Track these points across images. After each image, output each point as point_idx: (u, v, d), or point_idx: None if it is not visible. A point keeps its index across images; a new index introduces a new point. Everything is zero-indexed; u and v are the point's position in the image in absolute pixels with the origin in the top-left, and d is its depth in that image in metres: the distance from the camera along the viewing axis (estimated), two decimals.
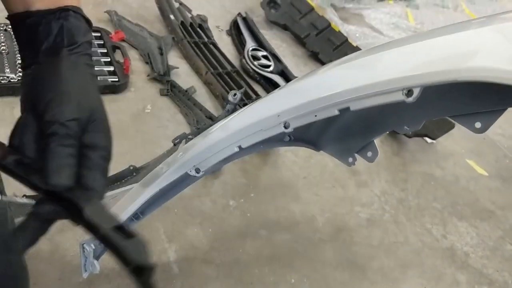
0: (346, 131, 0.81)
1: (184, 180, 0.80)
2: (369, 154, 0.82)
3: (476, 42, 0.53)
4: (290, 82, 0.80)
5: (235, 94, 1.42)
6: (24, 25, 0.54)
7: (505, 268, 1.63)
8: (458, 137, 2.30)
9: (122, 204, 0.83)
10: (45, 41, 0.53)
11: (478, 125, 0.63)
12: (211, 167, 0.78)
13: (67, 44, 0.54)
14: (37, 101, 0.50)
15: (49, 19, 0.54)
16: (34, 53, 0.53)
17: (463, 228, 1.76)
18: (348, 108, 0.63)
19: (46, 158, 0.47)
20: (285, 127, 0.71)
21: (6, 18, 0.56)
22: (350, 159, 0.85)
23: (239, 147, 0.76)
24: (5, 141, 0.52)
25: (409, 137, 2.11)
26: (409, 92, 0.56)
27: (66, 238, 1.31)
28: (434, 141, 2.16)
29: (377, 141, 2.30)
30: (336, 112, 0.65)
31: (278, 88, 0.80)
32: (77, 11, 0.56)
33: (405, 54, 0.60)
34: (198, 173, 0.78)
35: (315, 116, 0.67)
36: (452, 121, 0.68)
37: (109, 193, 1.11)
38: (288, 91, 0.74)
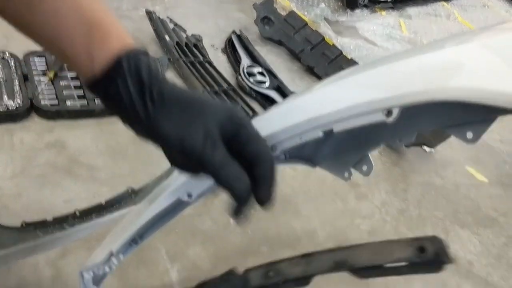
0: (340, 147, 0.82)
1: (178, 205, 0.81)
2: (364, 168, 0.82)
3: (451, 61, 0.54)
4: (275, 105, 0.81)
5: None
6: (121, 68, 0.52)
7: (510, 275, 1.62)
8: (456, 144, 2.30)
9: (118, 229, 0.83)
10: (155, 82, 0.53)
11: (469, 135, 0.64)
12: (203, 192, 0.78)
13: (162, 76, 0.55)
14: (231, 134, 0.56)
15: (145, 59, 0.53)
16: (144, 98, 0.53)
17: (466, 237, 1.75)
18: (331, 130, 0.64)
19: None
20: (272, 150, 0.71)
21: (90, 85, 0.55)
22: (346, 174, 0.85)
23: None
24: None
25: (407, 146, 2.12)
26: (389, 113, 0.57)
27: (68, 262, 1.30)
28: (432, 149, 2.16)
29: (375, 152, 2.30)
30: (320, 134, 0.66)
31: (264, 112, 0.81)
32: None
33: (384, 74, 0.61)
34: (190, 198, 0.78)
35: (300, 138, 0.68)
36: None
37: (107, 217, 1.11)
38: (273, 114, 0.75)
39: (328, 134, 0.66)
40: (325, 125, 0.65)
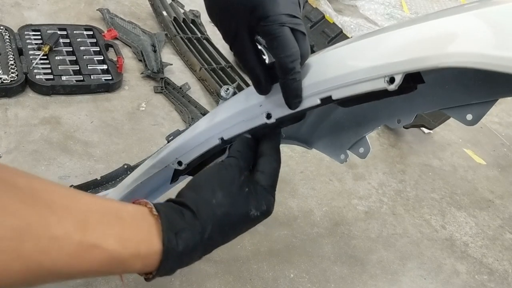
0: (337, 127, 0.80)
1: (168, 175, 0.79)
2: (361, 150, 0.81)
3: (458, 27, 0.52)
4: None
5: (227, 89, 1.39)
6: None
7: (505, 257, 1.63)
8: (455, 126, 2.30)
9: (111, 196, 0.82)
10: None
11: (469, 117, 0.63)
12: (194, 160, 0.76)
13: None
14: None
15: None
16: None
17: (462, 218, 1.75)
18: (330, 97, 0.62)
19: None
20: (267, 118, 0.69)
21: None
22: (342, 156, 0.84)
23: (221, 139, 0.74)
24: None
25: (406, 128, 2.11)
26: (391, 80, 0.55)
27: None
28: (431, 131, 2.15)
29: (374, 133, 2.29)
30: (318, 102, 0.64)
31: None
32: None
33: (388, 40, 0.58)
34: (180, 165, 0.76)
35: None
36: None
37: (102, 193, 1.10)
38: None
39: (326, 101, 0.64)
40: (324, 92, 0.63)
